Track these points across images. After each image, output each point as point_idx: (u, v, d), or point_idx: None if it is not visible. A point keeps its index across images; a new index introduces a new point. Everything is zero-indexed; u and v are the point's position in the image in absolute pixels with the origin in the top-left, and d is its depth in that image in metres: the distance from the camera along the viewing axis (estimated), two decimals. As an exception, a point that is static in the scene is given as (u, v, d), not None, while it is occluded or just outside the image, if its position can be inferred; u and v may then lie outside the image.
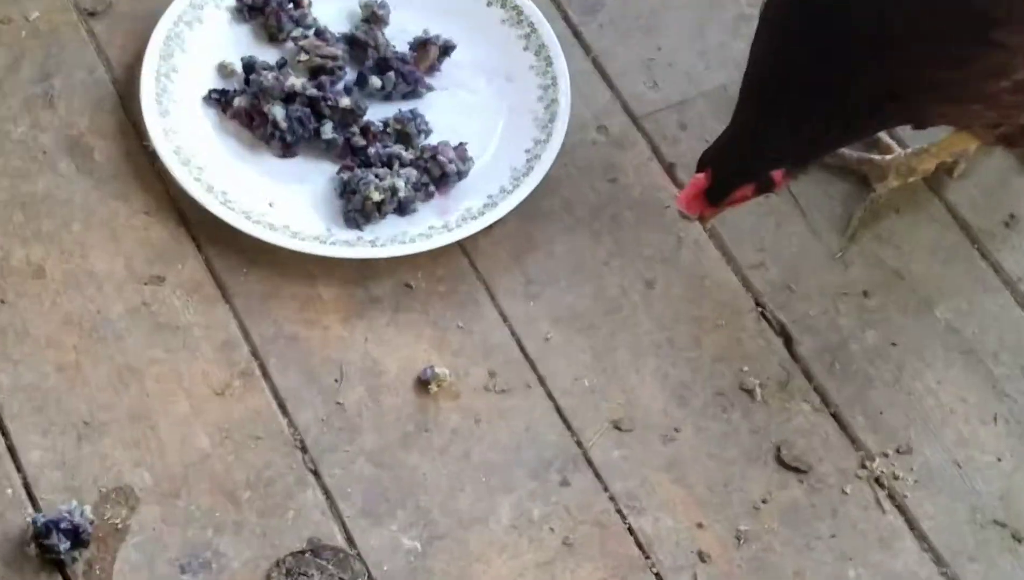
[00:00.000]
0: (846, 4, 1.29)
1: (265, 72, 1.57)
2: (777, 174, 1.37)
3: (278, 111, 1.55)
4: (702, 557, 1.39)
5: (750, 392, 1.47)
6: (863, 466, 1.44)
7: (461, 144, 1.56)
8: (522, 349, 1.48)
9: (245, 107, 1.57)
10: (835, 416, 1.46)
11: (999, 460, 1.44)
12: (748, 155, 1.36)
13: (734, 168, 1.36)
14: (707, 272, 1.53)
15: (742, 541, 1.39)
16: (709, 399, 1.46)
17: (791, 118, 1.33)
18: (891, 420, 1.46)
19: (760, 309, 1.52)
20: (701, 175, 1.36)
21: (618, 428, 1.45)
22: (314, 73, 1.60)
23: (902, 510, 1.42)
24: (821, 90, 1.31)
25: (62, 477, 1.39)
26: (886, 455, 1.44)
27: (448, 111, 1.59)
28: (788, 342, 1.50)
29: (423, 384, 1.45)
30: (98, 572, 1.35)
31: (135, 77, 1.57)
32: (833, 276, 1.53)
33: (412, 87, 1.60)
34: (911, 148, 1.56)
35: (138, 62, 1.58)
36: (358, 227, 1.52)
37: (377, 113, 1.58)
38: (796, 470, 1.43)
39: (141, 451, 1.40)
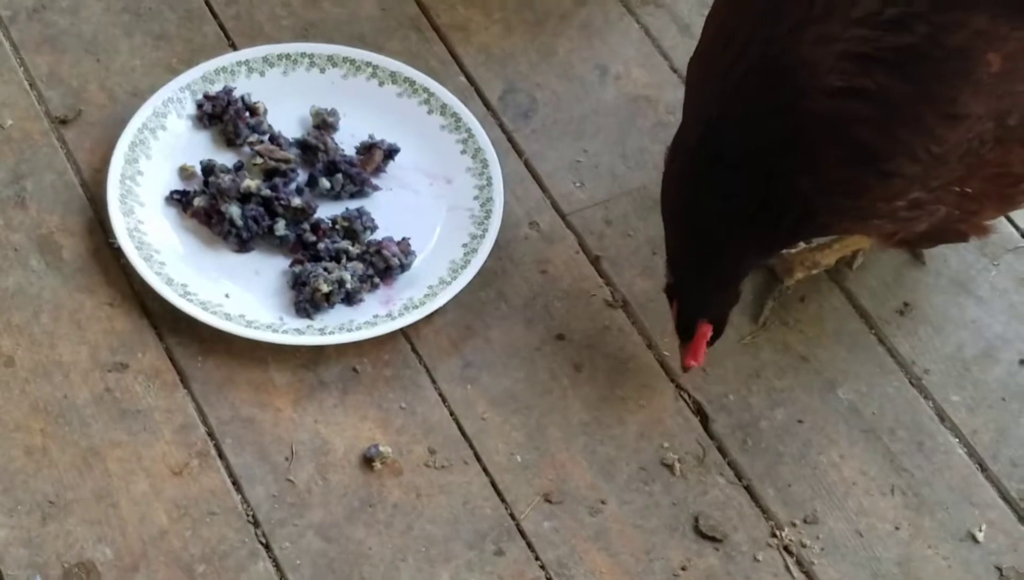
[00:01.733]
0: (756, 155, 1.34)
1: (223, 174, 1.58)
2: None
3: (234, 210, 1.56)
4: (627, 622, 1.38)
5: (670, 467, 1.47)
6: (773, 535, 1.44)
7: (404, 239, 1.57)
8: (460, 428, 1.48)
9: (204, 206, 1.57)
10: (748, 489, 1.47)
11: (897, 529, 1.45)
12: (721, 290, 1.43)
13: (724, 305, 1.44)
14: (630, 356, 1.54)
15: (663, 606, 1.39)
16: (632, 474, 1.46)
17: (733, 251, 1.41)
18: (799, 492, 1.46)
19: (679, 390, 1.52)
20: (706, 328, 1.42)
21: (549, 501, 1.44)
22: (268, 175, 1.60)
23: (810, 576, 1.42)
24: (750, 223, 1.38)
25: (28, 554, 1.38)
26: (794, 525, 1.45)
27: (392, 209, 1.60)
28: (704, 420, 1.50)
29: (368, 461, 1.45)
30: (61, 642, 1.33)
31: (102, 179, 1.57)
32: (745, 359, 1.54)
33: (359, 187, 1.61)
34: (815, 243, 1.58)
35: (105, 166, 1.58)
36: (308, 316, 1.52)
37: (326, 211, 1.59)
38: (712, 539, 1.43)
39: (103, 528, 1.39)
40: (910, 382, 1.54)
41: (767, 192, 1.35)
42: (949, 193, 1.35)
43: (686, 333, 1.44)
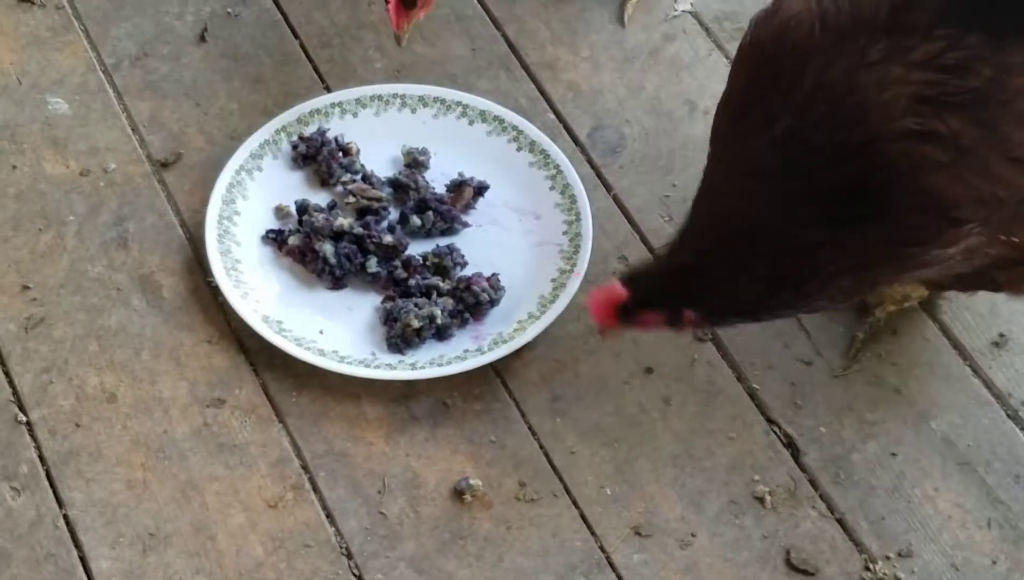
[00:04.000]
0: (814, 187, 1.27)
1: (316, 213, 1.61)
2: (688, 314, 1.34)
3: (328, 248, 1.58)
4: (717, 656, 1.38)
5: (761, 500, 1.47)
6: (867, 568, 1.43)
7: (493, 275, 1.59)
8: (550, 461, 1.49)
9: (298, 245, 1.60)
10: (840, 522, 1.46)
11: (994, 563, 1.44)
12: (674, 290, 1.34)
13: (653, 295, 1.34)
14: (720, 389, 1.54)
15: (754, 641, 1.39)
16: (723, 506, 1.46)
17: (733, 275, 1.31)
18: (893, 525, 1.46)
19: (769, 423, 1.52)
20: (620, 286, 1.33)
21: (638, 534, 1.45)
22: (361, 213, 1.63)
23: (904, 610, 1.42)
24: (775, 257, 1.29)
25: (129, 585, 1.41)
26: (888, 558, 1.44)
27: (482, 245, 1.62)
28: (795, 453, 1.50)
29: (459, 494, 1.46)
30: (160, 672, 1.36)
31: (201, 220, 1.61)
32: (836, 392, 1.54)
33: (449, 224, 1.63)
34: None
35: (204, 207, 1.61)
36: (400, 352, 1.54)
37: (417, 248, 1.61)
38: (805, 572, 1.42)
39: (201, 560, 1.42)
40: (1006, 414, 1.53)
41: (827, 237, 1.28)
42: (996, 240, 1.31)
43: (628, 312, 1.34)
